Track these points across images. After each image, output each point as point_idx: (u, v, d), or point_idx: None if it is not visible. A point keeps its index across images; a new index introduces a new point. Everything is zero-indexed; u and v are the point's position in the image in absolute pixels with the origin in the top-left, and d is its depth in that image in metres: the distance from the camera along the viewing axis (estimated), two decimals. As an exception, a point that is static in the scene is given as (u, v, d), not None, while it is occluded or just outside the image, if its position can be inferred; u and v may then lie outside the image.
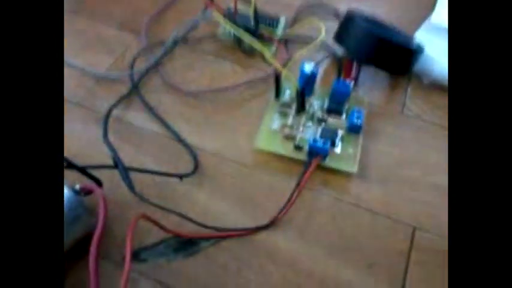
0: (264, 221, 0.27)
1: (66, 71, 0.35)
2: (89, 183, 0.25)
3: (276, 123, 0.31)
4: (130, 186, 0.26)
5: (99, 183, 0.26)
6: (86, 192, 0.24)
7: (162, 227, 0.25)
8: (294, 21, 0.40)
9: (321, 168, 0.29)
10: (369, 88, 0.35)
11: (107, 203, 0.23)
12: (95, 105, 0.33)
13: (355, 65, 0.36)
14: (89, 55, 0.36)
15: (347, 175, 0.29)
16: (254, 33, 0.36)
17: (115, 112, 0.32)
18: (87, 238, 0.22)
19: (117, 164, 0.26)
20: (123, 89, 0.34)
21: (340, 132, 0.31)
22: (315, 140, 0.28)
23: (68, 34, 0.38)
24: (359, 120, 0.30)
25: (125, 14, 0.40)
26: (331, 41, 0.37)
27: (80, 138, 0.31)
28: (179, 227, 0.26)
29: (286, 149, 0.30)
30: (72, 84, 0.34)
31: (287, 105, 0.33)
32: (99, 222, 0.22)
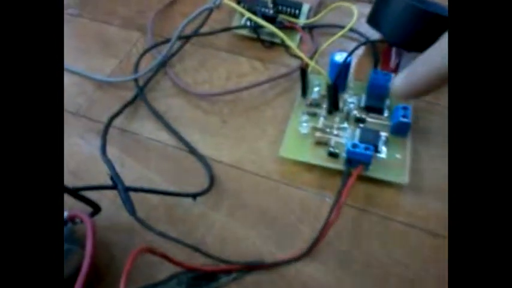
0: (296, 247, 0.22)
1: (65, 78, 0.31)
2: (82, 209, 0.21)
3: (304, 126, 0.26)
4: (132, 211, 0.21)
5: (96, 207, 0.22)
6: (76, 220, 0.20)
7: (171, 260, 0.21)
8: (319, 6, 0.35)
9: (363, 179, 0.24)
10: (414, 79, 0.30)
11: (96, 235, 0.19)
12: (96, 115, 0.29)
13: (394, 51, 0.31)
14: (90, 58, 0.33)
15: (396, 187, 0.24)
16: (273, 21, 0.31)
17: (118, 121, 0.28)
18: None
19: (116, 184, 0.22)
20: (128, 94, 0.30)
21: (384, 134, 0.26)
22: (354, 145, 0.23)
23: (68, 36, 0.34)
24: (406, 118, 0.25)
25: (129, 10, 0.36)
26: (364, 27, 0.32)
27: (79, 153, 0.27)
28: (193, 257, 0.22)
29: (318, 157, 0.25)
30: (72, 92, 0.30)
31: (317, 104, 0.28)
32: (86, 260, 0.18)
